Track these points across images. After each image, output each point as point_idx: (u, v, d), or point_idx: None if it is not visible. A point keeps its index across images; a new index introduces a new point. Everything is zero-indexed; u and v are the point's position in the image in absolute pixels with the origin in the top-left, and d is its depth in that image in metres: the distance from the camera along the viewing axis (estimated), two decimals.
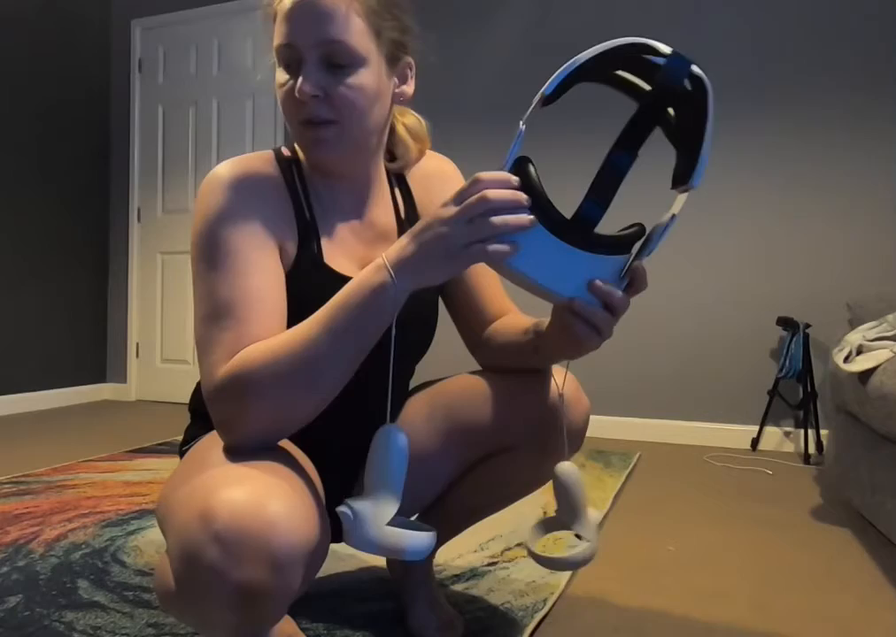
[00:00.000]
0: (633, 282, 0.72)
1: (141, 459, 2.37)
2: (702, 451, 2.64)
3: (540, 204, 0.67)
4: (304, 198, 0.90)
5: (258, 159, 0.89)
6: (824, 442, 2.51)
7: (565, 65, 0.67)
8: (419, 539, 0.67)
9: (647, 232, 0.71)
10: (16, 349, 3.41)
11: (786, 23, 2.70)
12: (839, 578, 1.37)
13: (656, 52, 0.66)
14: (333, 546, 1.16)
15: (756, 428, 2.67)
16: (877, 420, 1.47)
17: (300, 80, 0.79)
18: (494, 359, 1.00)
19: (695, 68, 0.67)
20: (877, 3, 2.58)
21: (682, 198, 0.72)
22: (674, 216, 0.70)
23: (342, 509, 0.68)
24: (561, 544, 1.49)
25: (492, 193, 0.64)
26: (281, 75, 0.83)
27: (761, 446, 2.69)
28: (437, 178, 1.04)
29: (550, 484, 0.86)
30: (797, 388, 2.61)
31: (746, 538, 1.62)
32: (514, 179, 0.66)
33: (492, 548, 1.48)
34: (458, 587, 1.28)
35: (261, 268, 0.80)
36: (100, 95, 3.88)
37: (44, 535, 1.55)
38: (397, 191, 1.00)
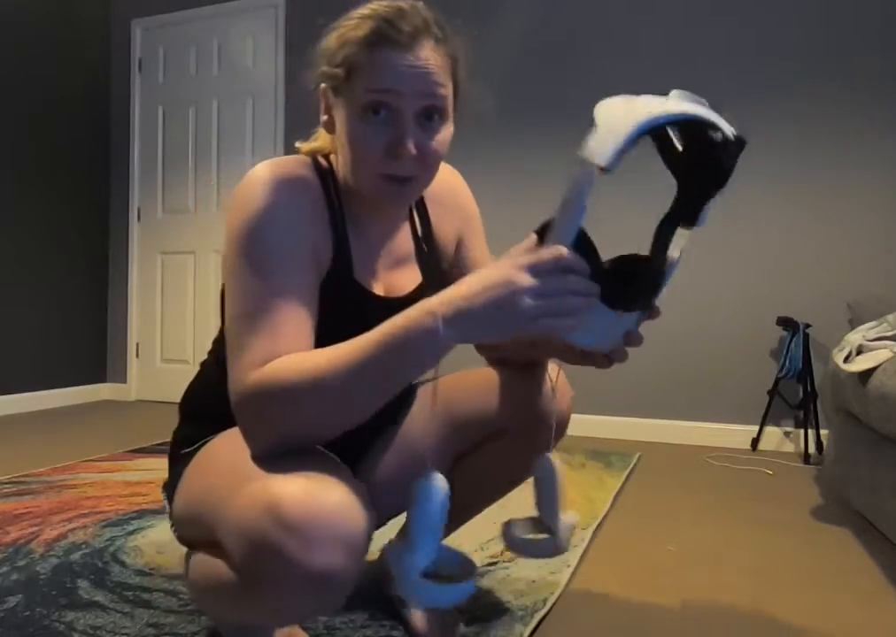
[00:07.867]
0: (650, 317, 0.77)
1: (141, 459, 2.37)
2: (702, 451, 2.64)
3: (600, 278, 0.67)
4: (339, 211, 0.88)
5: (298, 163, 0.87)
6: (824, 442, 2.51)
7: (634, 125, 0.63)
8: (449, 594, 0.71)
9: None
10: (16, 349, 3.41)
11: (789, 23, 2.70)
12: (839, 577, 1.37)
13: (716, 129, 0.67)
14: None
15: (756, 428, 2.67)
16: (877, 420, 1.47)
17: (406, 137, 0.77)
18: (498, 353, 1.03)
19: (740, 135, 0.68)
20: (880, 3, 2.58)
21: (685, 235, 0.75)
22: (679, 257, 0.74)
23: (387, 550, 0.72)
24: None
25: (575, 278, 0.64)
26: (366, 120, 0.79)
27: (761, 446, 2.68)
28: (448, 191, 1.05)
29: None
30: (797, 388, 2.60)
31: (746, 538, 1.62)
32: (585, 267, 0.65)
33: (492, 548, 1.49)
34: None
35: (302, 278, 0.79)
36: (100, 95, 3.88)
37: (44, 535, 1.55)
38: (414, 209, 1.01)
